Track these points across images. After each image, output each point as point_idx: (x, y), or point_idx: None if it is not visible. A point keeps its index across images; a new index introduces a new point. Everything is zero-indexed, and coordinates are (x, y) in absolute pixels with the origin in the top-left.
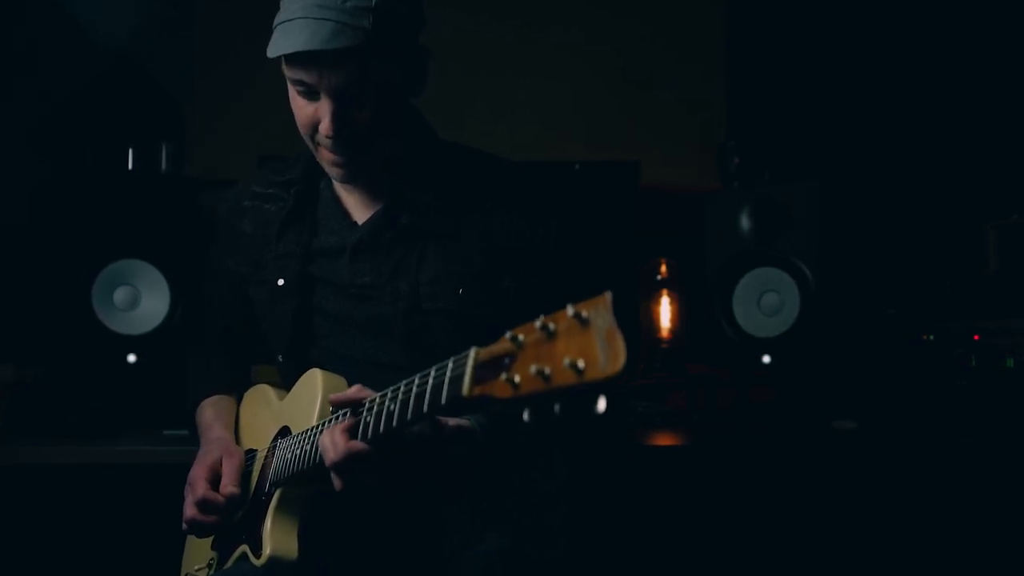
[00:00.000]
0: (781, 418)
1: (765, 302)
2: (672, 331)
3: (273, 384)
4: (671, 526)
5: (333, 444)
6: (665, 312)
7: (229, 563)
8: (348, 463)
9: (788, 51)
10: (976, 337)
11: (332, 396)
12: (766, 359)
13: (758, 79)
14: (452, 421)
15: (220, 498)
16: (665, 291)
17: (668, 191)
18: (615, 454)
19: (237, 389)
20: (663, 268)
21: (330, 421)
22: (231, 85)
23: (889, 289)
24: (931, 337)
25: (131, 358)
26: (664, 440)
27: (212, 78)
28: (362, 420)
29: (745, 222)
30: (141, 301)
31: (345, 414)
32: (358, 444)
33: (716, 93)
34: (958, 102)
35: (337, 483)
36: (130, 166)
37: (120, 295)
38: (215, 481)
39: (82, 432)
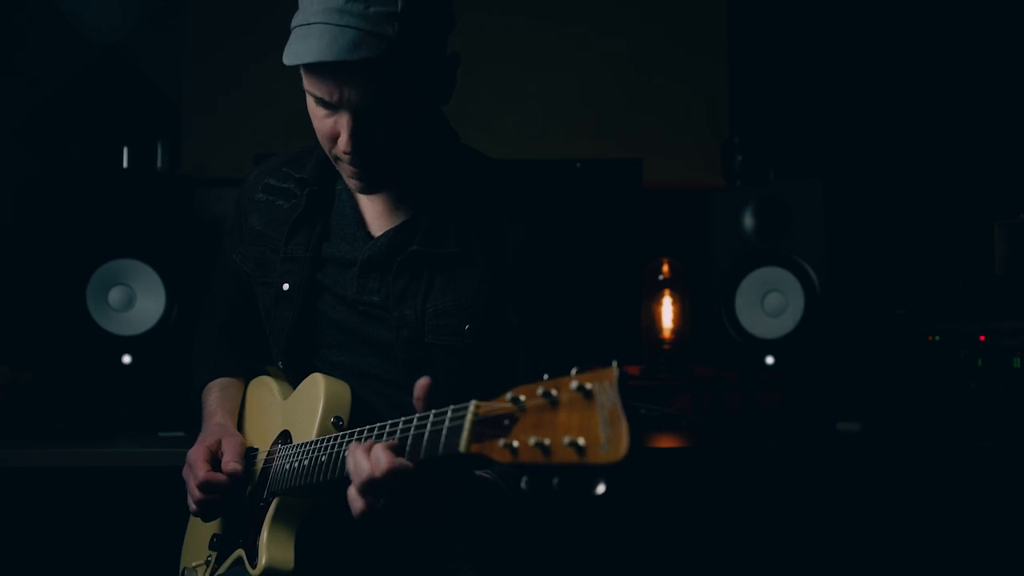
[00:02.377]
0: (785, 420)
1: (769, 302)
2: (675, 332)
3: (277, 377)
4: (674, 529)
5: (373, 459)
6: (667, 312)
7: (225, 565)
8: (387, 479)
9: (792, 48)
10: (983, 338)
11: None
12: (769, 360)
13: (762, 76)
14: (479, 472)
15: (222, 477)
16: (667, 291)
17: (671, 188)
18: None
19: (244, 376)
20: (665, 268)
21: (333, 438)
22: (221, 81)
23: (895, 289)
24: (937, 338)
25: (126, 359)
26: (668, 443)
27: (202, 74)
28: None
29: (748, 221)
30: (136, 301)
31: (346, 435)
32: (405, 461)
33: (720, 90)
34: (965, 98)
35: (359, 505)
36: (125, 165)
37: (115, 295)
38: (214, 462)
39: (77, 434)
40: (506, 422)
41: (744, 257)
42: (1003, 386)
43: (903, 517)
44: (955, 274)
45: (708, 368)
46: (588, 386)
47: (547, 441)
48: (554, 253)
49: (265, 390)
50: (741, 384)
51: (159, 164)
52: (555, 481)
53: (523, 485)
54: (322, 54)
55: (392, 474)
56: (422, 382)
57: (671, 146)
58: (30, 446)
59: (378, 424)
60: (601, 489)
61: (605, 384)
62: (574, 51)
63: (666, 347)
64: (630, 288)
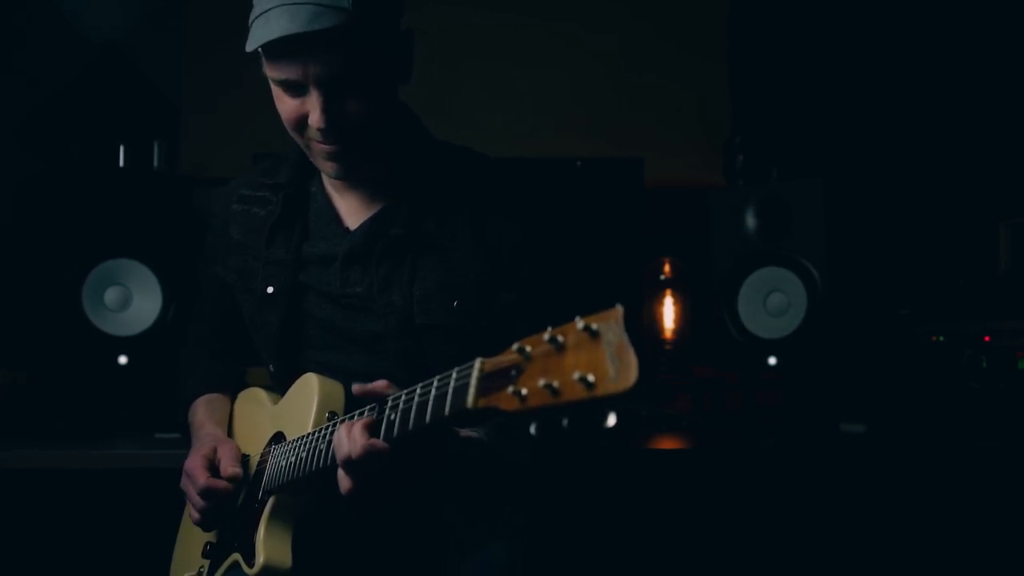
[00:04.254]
0: (788, 421)
1: (771, 302)
2: (676, 332)
3: (266, 387)
4: (676, 532)
5: (351, 439)
6: (669, 313)
7: (220, 572)
8: (364, 460)
9: (793, 45)
10: (987, 338)
11: (356, 387)
12: (772, 360)
13: (763, 74)
14: (462, 432)
15: (222, 483)
16: (669, 291)
17: (669, 187)
18: (618, 458)
19: (231, 388)
20: (667, 268)
21: (330, 427)
22: (221, 81)
23: (898, 289)
24: (941, 338)
25: (122, 360)
26: (668, 444)
27: (202, 74)
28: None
29: (750, 220)
30: (132, 301)
31: (344, 419)
32: (379, 442)
33: (712, 87)
34: (970, 97)
35: (347, 483)
36: (121, 163)
37: (111, 295)
38: (212, 469)
39: (73, 435)
40: (513, 372)
41: (745, 257)
42: (1005, 386)
43: (906, 518)
44: (959, 274)
45: (709, 368)
46: (594, 326)
47: (556, 383)
48: (551, 251)
49: (254, 401)
50: (741, 384)
51: (156, 163)
52: (564, 422)
53: (532, 431)
54: (284, 30)
55: (368, 455)
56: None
57: (663, 144)
58: (29, 446)
59: (381, 397)
60: (612, 421)
61: (611, 322)
62: (564, 48)
63: (667, 347)
64: (631, 288)
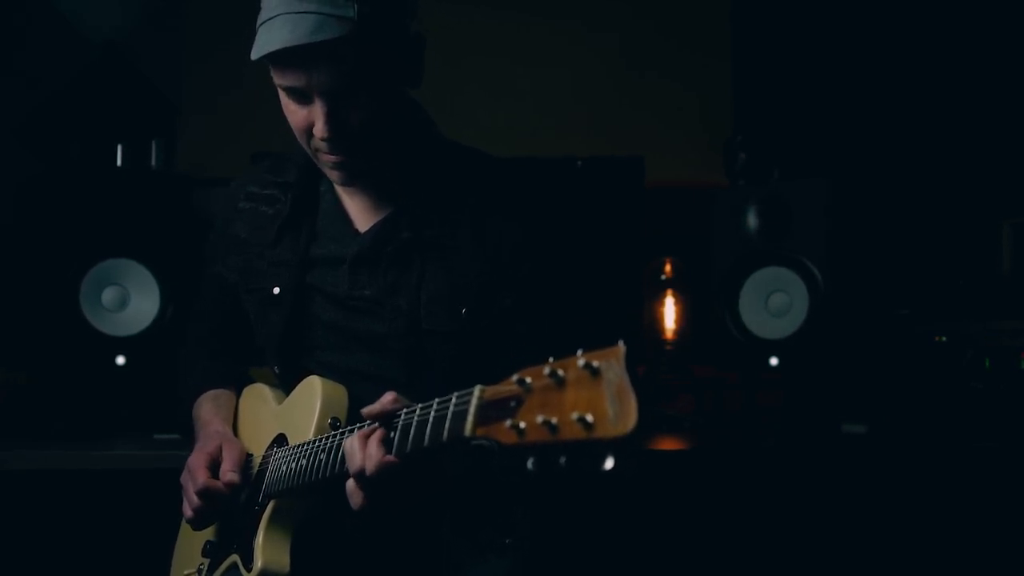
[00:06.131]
0: (789, 422)
1: (772, 302)
2: (677, 332)
3: (271, 384)
4: (677, 532)
5: (366, 453)
6: (669, 313)
7: (218, 572)
8: (378, 474)
9: (795, 44)
10: (989, 339)
11: (366, 410)
12: (773, 361)
13: (765, 73)
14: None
15: (221, 486)
16: (670, 291)
17: (672, 186)
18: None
19: (235, 384)
20: (667, 267)
21: (330, 436)
22: (221, 81)
23: (900, 289)
24: (943, 338)
25: (120, 360)
26: (669, 444)
27: (202, 74)
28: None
29: (752, 220)
30: (130, 301)
31: (345, 431)
32: (393, 457)
33: (713, 86)
34: (972, 96)
35: (359, 497)
36: (119, 163)
37: (109, 295)
38: (214, 468)
39: (72, 435)
40: (512, 404)
41: (746, 257)
42: (1007, 386)
43: (907, 519)
44: (962, 274)
45: (709, 368)
46: (595, 364)
47: (554, 419)
48: (551, 251)
49: (258, 397)
50: (742, 384)
51: (154, 163)
52: (562, 460)
53: (529, 466)
54: (286, 41)
55: (383, 470)
56: (389, 397)
57: (664, 143)
58: (23, 448)
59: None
60: (609, 464)
61: (612, 361)
62: (565, 46)
63: (668, 347)
64: (631, 288)
